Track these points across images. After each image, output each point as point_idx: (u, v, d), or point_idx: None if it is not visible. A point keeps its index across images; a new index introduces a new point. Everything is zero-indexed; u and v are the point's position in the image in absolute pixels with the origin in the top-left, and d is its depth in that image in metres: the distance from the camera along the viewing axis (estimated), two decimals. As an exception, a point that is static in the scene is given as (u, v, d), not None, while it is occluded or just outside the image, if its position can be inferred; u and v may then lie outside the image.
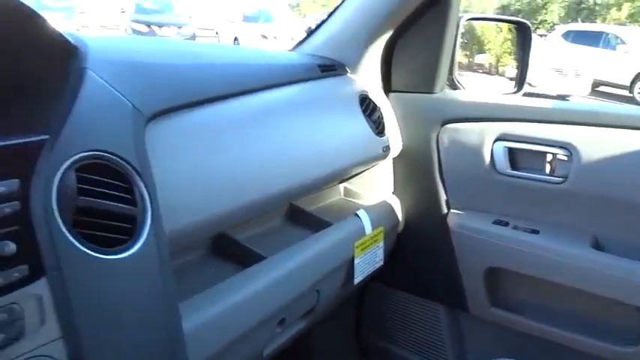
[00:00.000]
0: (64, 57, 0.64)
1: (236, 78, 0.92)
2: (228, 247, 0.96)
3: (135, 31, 9.71)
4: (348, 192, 1.33)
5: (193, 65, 0.85)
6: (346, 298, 1.41)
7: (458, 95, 1.31)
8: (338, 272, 1.13)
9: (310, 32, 1.35)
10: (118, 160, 0.62)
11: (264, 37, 9.53)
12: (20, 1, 0.57)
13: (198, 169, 0.77)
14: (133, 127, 0.66)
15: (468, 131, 1.23)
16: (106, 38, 0.84)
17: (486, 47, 1.83)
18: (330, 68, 1.22)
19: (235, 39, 9.90)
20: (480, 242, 1.22)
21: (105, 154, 0.61)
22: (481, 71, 1.84)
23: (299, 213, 1.14)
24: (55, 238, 0.53)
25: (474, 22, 1.60)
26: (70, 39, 0.64)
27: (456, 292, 1.29)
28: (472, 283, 1.25)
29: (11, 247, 0.50)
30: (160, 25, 9.95)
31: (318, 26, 1.34)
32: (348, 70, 1.28)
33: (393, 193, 1.35)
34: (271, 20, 10.55)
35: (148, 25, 9.87)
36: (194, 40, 10.21)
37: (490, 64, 1.84)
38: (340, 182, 1.31)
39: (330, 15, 1.33)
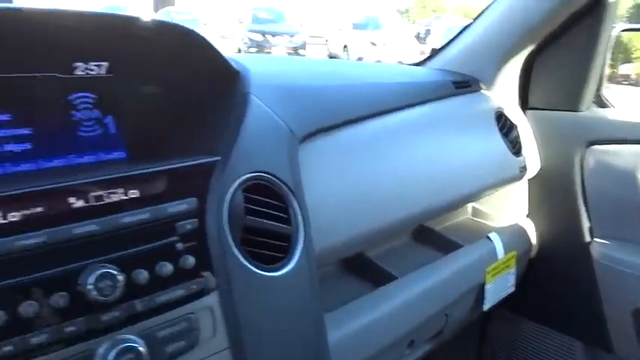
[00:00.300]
0: (228, 81, 0.69)
1: (375, 98, 0.93)
2: (359, 264, 0.97)
3: (251, 40, 10.24)
4: (476, 212, 1.28)
5: (339, 87, 0.87)
6: (471, 322, 1.36)
7: (607, 114, 1.21)
8: (467, 296, 1.09)
9: (442, 46, 1.33)
10: (276, 180, 0.65)
11: (374, 44, 9.56)
12: (192, 29, 0.62)
13: (340, 190, 0.78)
14: (289, 149, 0.69)
15: (619, 154, 1.12)
16: (262, 60, 0.89)
17: (633, 56, 1.66)
18: (464, 84, 1.19)
19: (345, 46, 10.06)
20: (629, 277, 1.10)
21: (266, 174, 0.64)
22: (626, 83, 1.69)
23: (427, 232, 1.12)
24: (226, 255, 0.57)
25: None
26: (232, 64, 0.69)
27: (597, 329, 1.18)
28: (618, 321, 1.14)
29: (191, 260, 0.55)
30: (273, 34, 10.40)
31: (451, 40, 1.31)
32: (483, 86, 1.23)
33: (527, 215, 1.27)
34: (380, 27, 10.55)
35: (263, 34, 10.37)
36: (304, 47, 10.54)
37: (638, 74, 1.67)
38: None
39: (463, 29, 1.29)
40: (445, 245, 1.08)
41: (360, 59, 9.32)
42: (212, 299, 0.56)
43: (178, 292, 0.54)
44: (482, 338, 1.47)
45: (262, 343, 0.59)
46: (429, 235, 1.11)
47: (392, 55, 9.26)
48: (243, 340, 0.57)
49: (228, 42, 11.17)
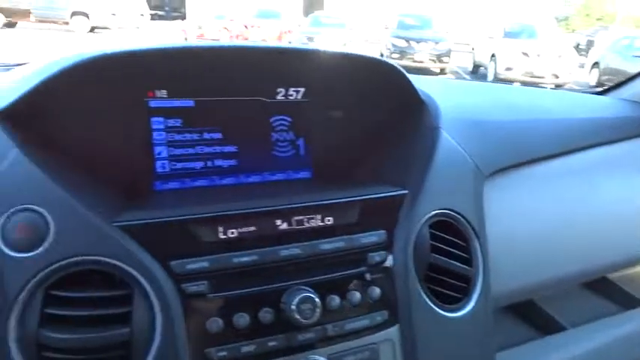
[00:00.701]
0: (419, 113, 0.69)
1: (563, 135, 0.87)
2: (525, 307, 0.91)
3: (394, 46, 10.23)
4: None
5: (526, 122, 0.83)
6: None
7: None
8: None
9: (634, 75, 1.20)
10: (462, 219, 0.64)
11: (526, 54, 8.96)
12: (390, 63, 0.63)
13: (521, 232, 0.75)
14: (475, 186, 0.67)
15: None
16: (444, 87, 0.88)
17: None
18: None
19: (492, 55, 9.59)
20: None
21: (452, 212, 0.63)
22: None
23: (603, 282, 1.02)
24: (410, 290, 0.58)
25: None
26: (420, 95, 0.69)
27: None
28: None
29: (377, 292, 0.57)
30: (417, 41, 10.27)
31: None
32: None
33: None
34: (535, 36, 9.86)
35: (407, 40, 10.29)
36: (449, 55, 10.25)
37: None
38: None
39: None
40: (624, 299, 0.97)
41: (508, 69, 8.80)
42: (393, 332, 0.57)
43: (364, 321, 0.56)
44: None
45: None
46: (606, 286, 1.01)
47: (546, 66, 8.60)
48: None
49: (372, 47, 11.27)
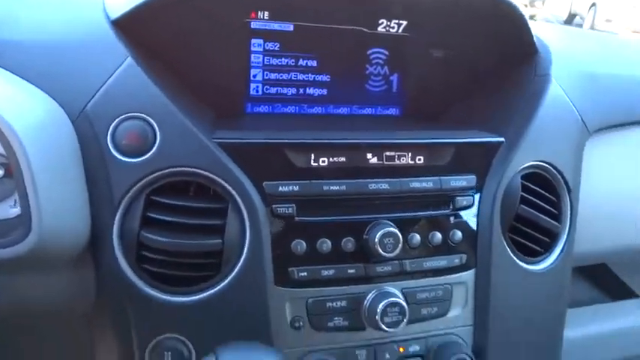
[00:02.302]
0: (528, 59, 0.65)
1: None
2: (598, 270, 0.89)
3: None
4: None
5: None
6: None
7: None
8: None
9: None
10: (557, 174, 0.62)
11: (634, 6, 8.10)
12: (511, 2, 0.59)
13: (613, 195, 0.71)
14: (577, 142, 0.64)
15: None
16: (563, 34, 0.81)
17: None
18: None
19: (593, 4, 8.73)
20: None
21: (548, 166, 0.61)
22: None
23: None
24: (492, 237, 0.57)
25: None
26: (536, 42, 0.65)
27: None
28: None
29: (459, 235, 0.57)
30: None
31: None
32: None
33: None
34: (645, -15, 8.83)
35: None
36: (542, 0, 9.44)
37: None
38: None
39: None
40: None
41: (608, 21, 8.01)
42: (469, 276, 0.58)
43: (442, 262, 0.56)
44: None
45: (505, 328, 0.59)
46: None
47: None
48: (488, 323, 0.58)
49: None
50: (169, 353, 0.49)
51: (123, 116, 0.49)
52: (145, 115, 0.49)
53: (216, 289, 0.50)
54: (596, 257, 0.76)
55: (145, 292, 0.49)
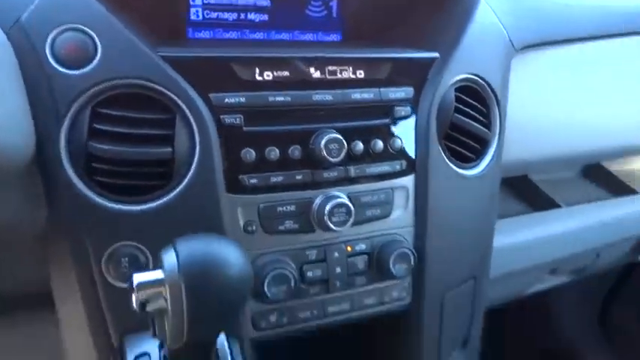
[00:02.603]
0: None
1: (601, 20, 0.86)
2: (523, 185, 0.97)
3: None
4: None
5: (565, 3, 0.82)
6: (608, 272, 1.32)
7: None
8: (626, 243, 1.05)
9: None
10: (486, 86, 0.67)
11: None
12: None
13: (537, 108, 0.78)
14: (505, 58, 0.69)
15: None
16: None
17: None
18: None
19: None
20: None
21: (478, 79, 0.66)
22: None
23: (599, 170, 1.07)
24: (429, 144, 0.62)
25: None
26: None
27: None
28: None
29: (399, 143, 0.61)
30: None
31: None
32: None
33: None
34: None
35: None
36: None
37: None
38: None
39: None
40: (616, 187, 1.03)
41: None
42: (409, 181, 0.62)
43: (384, 167, 0.60)
44: (615, 293, 1.43)
45: (442, 231, 0.65)
46: (601, 174, 1.07)
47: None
48: (427, 224, 0.63)
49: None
50: (126, 259, 0.50)
51: (61, 28, 0.48)
52: (84, 27, 0.48)
53: (168, 197, 0.51)
54: (521, 167, 0.83)
55: (96, 202, 0.49)
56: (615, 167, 1.11)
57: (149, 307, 0.39)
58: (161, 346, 0.50)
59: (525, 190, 0.97)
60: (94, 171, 0.50)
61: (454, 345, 0.70)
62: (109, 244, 0.50)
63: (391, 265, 0.58)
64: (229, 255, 0.39)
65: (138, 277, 0.37)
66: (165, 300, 0.37)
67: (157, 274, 0.37)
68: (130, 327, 0.51)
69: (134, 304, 0.39)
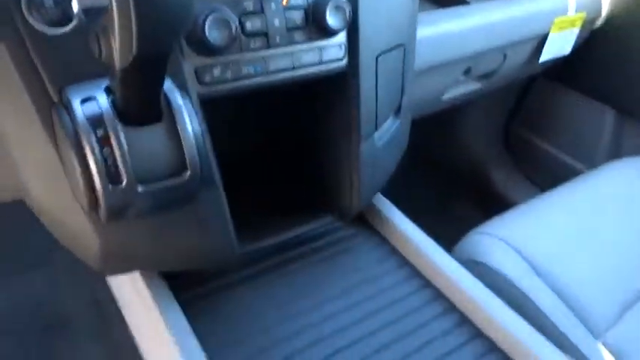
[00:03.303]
0: None
1: None
2: None
3: None
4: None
5: None
6: (512, 87, 1.45)
7: None
8: (529, 43, 1.14)
9: None
10: None
11: None
12: None
13: None
14: None
15: None
16: None
17: None
18: None
19: None
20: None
21: None
22: None
23: None
24: None
25: None
26: None
27: (630, 97, 1.27)
28: None
29: None
30: None
31: None
32: None
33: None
34: None
35: None
36: None
37: None
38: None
39: None
40: None
41: None
42: None
43: None
44: (517, 106, 1.58)
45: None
46: None
47: None
48: None
49: None
50: None
51: None
52: None
53: None
54: None
55: None
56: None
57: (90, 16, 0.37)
58: (107, 91, 0.48)
59: None
60: None
61: (389, 111, 0.75)
62: None
63: (327, 16, 0.59)
64: None
65: None
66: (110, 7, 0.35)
67: None
68: (67, 80, 0.49)
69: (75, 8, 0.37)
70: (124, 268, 0.64)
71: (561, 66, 1.35)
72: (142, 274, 0.66)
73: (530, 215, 0.90)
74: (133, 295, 0.70)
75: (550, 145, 1.51)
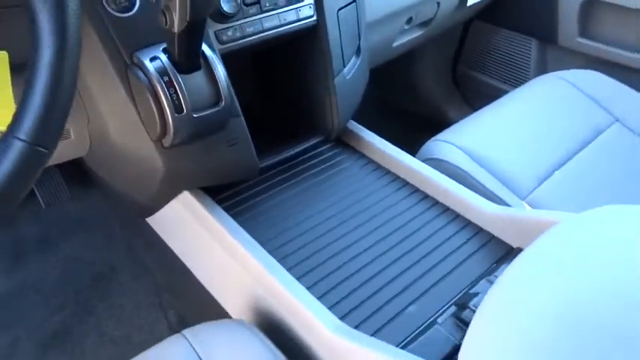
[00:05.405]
0: None
1: None
2: None
3: None
4: None
5: None
6: (452, 32, 1.71)
7: None
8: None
9: None
10: None
11: None
12: None
13: None
14: None
15: None
16: None
17: None
18: None
19: None
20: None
21: None
22: None
23: None
24: None
25: None
26: None
27: (550, 26, 1.55)
28: (567, 15, 1.49)
29: None
30: None
31: None
32: None
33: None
34: None
35: None
36: None
37: None
38: None
39: None
40: None
41: None
42: None
43: None
44: (459, 49, 1.85)
45: None
46: None
47: None
48: None
49: None
50: None
51: None
52: None
53: None
54: None
55: None
56: None
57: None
58: (164, 51, 0.72)
59: None
60: None
61: (352, 52, 1.00)
62: None
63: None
64: None
65: None
66: None
67: None
68: (137, 46, 0.72)
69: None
70: (177, 188, 0.88)
71: (491, 9, 1.62)
72: (191, 193, 0.90)
73: (469, 123, 1.16)
74: (184, 212, 0.94)
75: (489, 77, 1.79)
